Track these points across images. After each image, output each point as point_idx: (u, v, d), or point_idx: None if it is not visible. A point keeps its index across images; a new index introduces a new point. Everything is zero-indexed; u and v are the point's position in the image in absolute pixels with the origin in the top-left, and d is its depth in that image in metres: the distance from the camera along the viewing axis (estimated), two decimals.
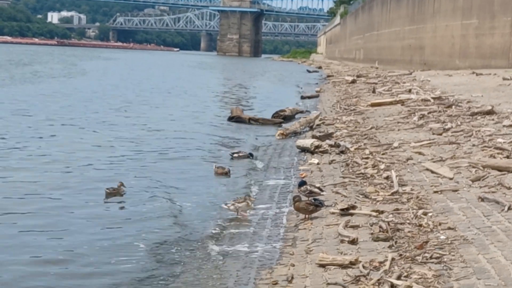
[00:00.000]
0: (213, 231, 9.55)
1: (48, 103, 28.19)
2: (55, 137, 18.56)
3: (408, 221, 8.29)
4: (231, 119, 24.26)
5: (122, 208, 11.06)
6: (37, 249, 8.63)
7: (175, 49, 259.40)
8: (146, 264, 8.14)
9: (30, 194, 11.61)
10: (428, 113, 18.81)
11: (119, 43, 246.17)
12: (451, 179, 10.53)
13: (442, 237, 7.52)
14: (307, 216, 9.45)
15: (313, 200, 9.73)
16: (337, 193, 10.64)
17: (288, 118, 24.35)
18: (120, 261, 8.23)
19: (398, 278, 6.31)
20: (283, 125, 22.67)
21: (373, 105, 23.64)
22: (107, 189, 11.62)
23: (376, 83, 34.14)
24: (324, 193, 10.65)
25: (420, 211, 8.67)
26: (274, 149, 17.47)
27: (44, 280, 7.57)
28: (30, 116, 23.27)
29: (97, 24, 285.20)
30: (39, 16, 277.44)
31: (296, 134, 19.79)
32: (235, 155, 15.98)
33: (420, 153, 13.07)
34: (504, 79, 25.65)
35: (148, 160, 15.38)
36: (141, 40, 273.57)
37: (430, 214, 8.55)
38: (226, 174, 13.67)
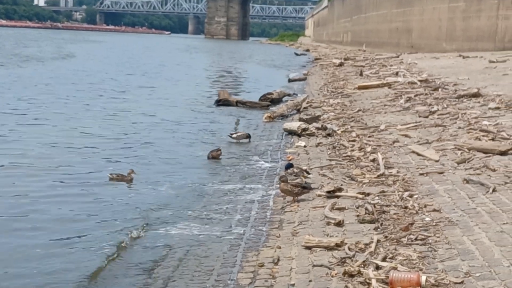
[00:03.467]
0: (199, 214, 9.53)
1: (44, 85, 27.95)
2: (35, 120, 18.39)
3: (393, 204, 8.34)
4: (218, 102, 24.17)
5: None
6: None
7: (166, 32, 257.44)
8: (132, 248, 8.13)
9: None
10: (415, 95, 18.87)
11: (111, 26, 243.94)
12: (436, 161, 10.57)
13: (427, 219, 7.56)
14: (294, 198, 9.45)
15: (299, 182, 9.76)
16: (323, 175, 10.66)
17: (276, 101, 24.28)
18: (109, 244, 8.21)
19: (384, 259, 6.34)
20: (271, 108, 22.62)
21: (360, 88, 23.66)
22: (110, 174, 11.60)
23: (363, 66, 34.13)
24: (310, 175, 10.68)
25: (406, 193, 8.72)
26: (261, 132, 17.45)
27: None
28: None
29: (84, 6, 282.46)
30: None
31: (283, 117, 19.78)
32: (234, 135, 15.90)
33: (406, 136, 13.11)
34: (490, 61, 25.74)
35: (133, 144, 15.23)
36: (129, 23, 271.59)
37: (415, 196, 8.60)
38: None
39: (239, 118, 20.78)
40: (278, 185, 9.91)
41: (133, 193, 10.86)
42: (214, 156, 13.66)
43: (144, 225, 8.99)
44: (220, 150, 13.87)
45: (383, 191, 9.03)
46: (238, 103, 23.80)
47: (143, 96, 26.57)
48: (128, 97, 25.92)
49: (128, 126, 18.06)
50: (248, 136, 15.91)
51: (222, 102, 23.97)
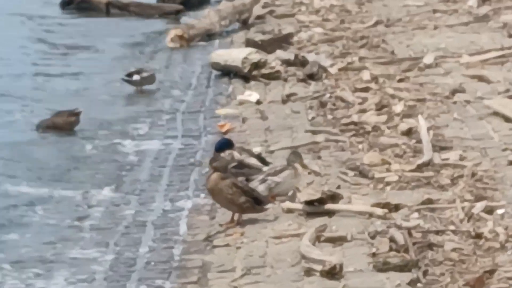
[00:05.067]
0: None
1: None
2: None
3: (452, 228, 8.41)
4: (68, 4, 24.06)
5: None
6: None
7: None
8: None
9: None
10: None
11: None
12: None
13: None
14: (239, 216, 9.48)
15: (246, 183, 9.78)
16: (300, 166, 10.68)
17: (194, 2, 24.27)
18: None
19: None
20: (183, 17, 22.59)
21: None
22: None
23: None
24: (270, 166, 10.69)
25: (479, 205, 8.78)
26: (164, 70, 17.43)
27: None
28: None
29: None
30: None
31: (210, 36, 19.76)
32: (135, 77, 15.84)
33: (481, 79, 13.24)
34: None
35: None
36: None
37: (500, 212, 8.68)
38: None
39: (117, 37, 20.79)
40: (206, 182, 9.91)
41: None
42: (59, 124, 13.67)
43: None
44: (75, 112, 13.87)
45: (430, 201, 9.08)
46: (111, 6, 23.72)
47: None
48: None
49: None
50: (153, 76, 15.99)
51: (77, 4, 23.86)
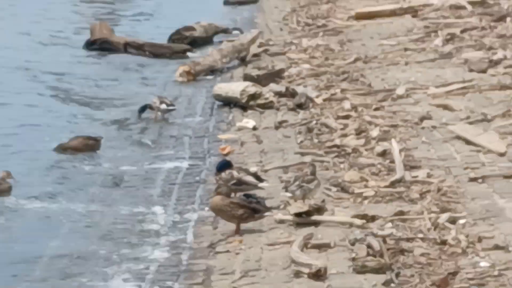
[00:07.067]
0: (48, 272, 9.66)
1: None
2: None
3: (421, 236, 8.41)
4: (91, 44, 24.05)
5: None
6: None
7: None
8: None
9: None
10: (462, 31, 19.02)
11: None
12: (502, 155, 10.69)
13: (482, 263, 7.64)
14: (238, 226, 9.47)
15: (245, 198, 9.77)
16: (284, 182, 10.69)
17: (200, 43, 24.30)
18: None
19: None
20: (190, 55, 22.60)
21: (359, 17, 23.73)
22: None
23: None
24: (265, 183, 10.68)
25: (444, 216, 8.80)
26: (174, 100, 17.43)
27: None
28: None
29: None
30: None
31: (214, 72, 19.77)
32: (163, 105, 15.92)
33: (445, 107, 13.25)
34: None
35: None
36: None
37: (462, 222, 8.68)
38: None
39: (134, 72, 20.96)
40: (210, 200, 9.93)
41: None
42: (74, 147, 13.71)
43: None
44: (91, 139, 13.90)
45: (402, 212, 9.08)
46: (128, 47, 23.71)
47: None
48: None
49: None
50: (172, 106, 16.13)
51: (99, 44, 23.86)
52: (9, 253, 10.08)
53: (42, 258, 9.86)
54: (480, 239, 8.17)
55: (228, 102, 15.89)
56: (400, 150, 11.05)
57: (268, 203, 9.84)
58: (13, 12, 31.76)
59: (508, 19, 19.71)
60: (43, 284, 9.19)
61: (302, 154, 11.95)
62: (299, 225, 9.25)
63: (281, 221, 9.47)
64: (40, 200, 11.80)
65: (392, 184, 10.09)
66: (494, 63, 15.64)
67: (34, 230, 10.86)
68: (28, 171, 12.75)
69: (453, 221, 8.73)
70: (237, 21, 28.86)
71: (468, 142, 11.36)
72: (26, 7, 32.34)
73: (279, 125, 13.79)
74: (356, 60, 18.13)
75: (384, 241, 8.21)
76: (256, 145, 13.01)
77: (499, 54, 16.26)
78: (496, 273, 7.44)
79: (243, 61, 20.08)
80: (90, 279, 9.18)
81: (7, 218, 11.22)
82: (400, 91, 14.55)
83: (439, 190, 9.72)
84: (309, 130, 13.06)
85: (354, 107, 13.77)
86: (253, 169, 11.30)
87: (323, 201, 9.73)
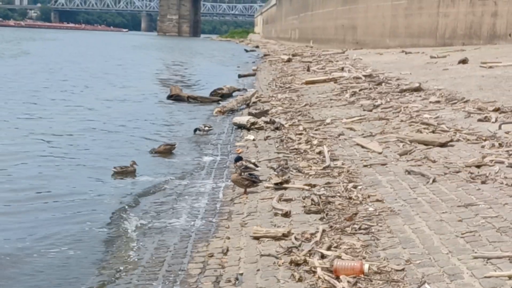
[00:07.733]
0: (151, 207, 9.47)
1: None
2: None
3: (338, 194, 8.34)
4: (170, 97, 24.03)
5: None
6: None
7: (124, 30, 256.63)
8: (92, 245, 8.07)
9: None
10: (360, 90, 19.00)
11: (71, 24, 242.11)
12: (380, 153, 10.65)
13: (370, 209, 7.60)
14: (245, 190, 9.43)
15: (249, 175, 9.73)
16: (271, 168, 10.65)
17: (226, 96, 24.29)
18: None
19: (328, 248, 6.35)
20: (221, 102, 22.60)
21: (307, 83, 23.71)
22: (115, 167, 11.80)
23: (310, 62, 34.22)
24: (259, 168, 10.66)
25: (350, 185, 8.75)
26: (213, 126, 17.40)
27: None
28: None
29: (39, 5, 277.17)
30: None
31: (233, 111, 19.73)
32: (206, 128, 16.16)
33: (351, 129, 13.17)
34: (431, 57, 26.12)
35: (88, 141, 15.12)
36: (83, 20, 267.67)
37: (359, 187, 8.64)
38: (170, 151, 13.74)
39: (192, 111, 20.86)
40: (231, 176, 9.96)
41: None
42: (160, 151, 13.69)
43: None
44: (170, 145, 13.89)
45: (329, 183, 9.04)
46: (189, 98, 23.72)
47: (98, 92, 26.25)
48: (86, 92, 25.78)
49: (79, 123, 17.81)
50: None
51: (174, 97, 23.85)
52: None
53: None
54: (369, 196, 8.13)
55: (240, 127, 15.85)
56: (328, 151, 11.01)
57: (261, 178, 9.79)
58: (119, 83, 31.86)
59: (383, 84, 19.71)
60: None
61: (278, 153, 11.88)
62: (276, 189, 9.15)
63: (267, 187, 9.39)
64: (151, 177, 11.61)
65: (324, 168, 10.02)
66: (376, 106, 15.61)
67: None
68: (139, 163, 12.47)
69: (354, 186, 8.67)
70: (245, 85, 28.92)
71: (362, 147, 11.31)
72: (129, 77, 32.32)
73: (266, 138, 13.73)
74: (305, 105, 18.06)
75: (320, 197, 8.15)
76: (255, 148, 12.96)
77: (378, 101, 16.23)
78: (377, 213, 7.41)
79: (248, 106, 20.07)
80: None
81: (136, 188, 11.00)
82: (328, 120, 14.49)
83: (348, 171, 9.65)
84: (282, 140, 12.98)
85: (305, 129, 13.71)
86: (253, 160, 11.26)
87: (289, 177, 9.69)
